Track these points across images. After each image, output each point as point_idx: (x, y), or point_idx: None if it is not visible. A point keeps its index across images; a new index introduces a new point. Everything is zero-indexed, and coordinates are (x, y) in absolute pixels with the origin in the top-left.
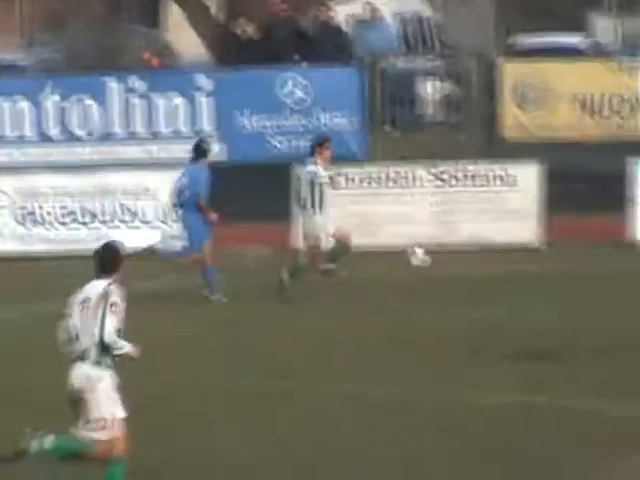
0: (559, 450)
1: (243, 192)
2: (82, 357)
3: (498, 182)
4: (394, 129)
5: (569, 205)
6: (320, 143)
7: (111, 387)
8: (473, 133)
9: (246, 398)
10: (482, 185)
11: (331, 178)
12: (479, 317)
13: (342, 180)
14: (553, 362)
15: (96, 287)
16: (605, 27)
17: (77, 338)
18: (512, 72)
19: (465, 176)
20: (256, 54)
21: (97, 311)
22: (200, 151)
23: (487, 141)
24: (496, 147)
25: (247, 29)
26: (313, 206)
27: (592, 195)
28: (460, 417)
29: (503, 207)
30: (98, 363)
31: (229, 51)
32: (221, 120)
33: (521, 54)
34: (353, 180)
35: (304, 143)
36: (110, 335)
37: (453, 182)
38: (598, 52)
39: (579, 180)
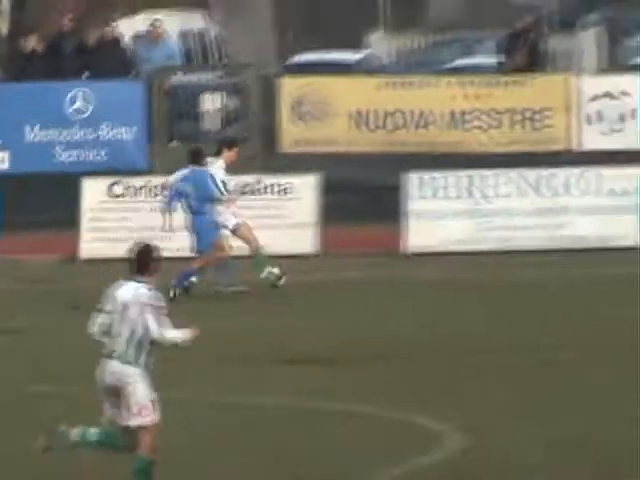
0: (329, 454)
1: (29, 202)
2: (116, 356)
3: (276, 193)
4: (177, 141)
5: (345, 215)
6: (229, 145)
7: (145, 380)
8: (253, 146)
9: None
10: (262, 195)
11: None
12: (253, 322)
13: (122, 190)
14: (327, 366)
15: (132, 288)
16: (380, 44)
17: (112, 336)
18: (290, 87)
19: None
20: (41, 68)
21: (135, 312)
22: (201, 156)
23: (266, 153)
24: (275, 159)
25: (31, 43)
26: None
27: (368, 206)
28: (234, 420)
29: (281, 217)
30: (129, 363)
31: (14, 65)
32: (6, 131)
33: (300, 70)
34: (136, 191)
35: (89, 154)
36: (156, 331)
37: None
38: (374, 68)
39: (355, 192)
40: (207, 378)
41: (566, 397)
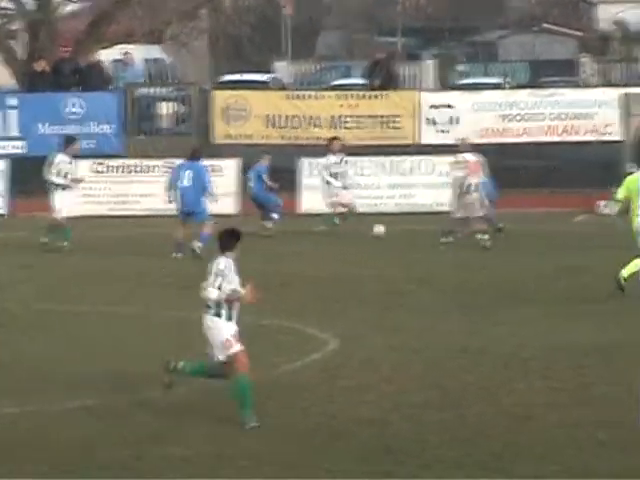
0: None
1: (40, 176)
2: (208, 310)
3: (211, 172)
4: (143, 135)
5: None
6: (69, 141)
7: (227, 329)
8: (194, 139)
9: None
10: None
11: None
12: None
13: (105, 168)
14: None
15: (215, 260)
16: (284, 69)
17: (205, 296)
18: (220, 98)
19: None
20: (48, 83)
21: (210, 277)
22: (200, 153)
23: (203, 144)
24: (210, 148)
25: (41, 66)
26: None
27: (274, 181)
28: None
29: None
30: (217, 315)
31: (29, 81)
32: (24, 127)
33: (227, 86)
34: (114, 168)
35: (82, 144)
36: (209, 293)
37: None
38: (279, 85)
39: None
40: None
41: (406, 316)
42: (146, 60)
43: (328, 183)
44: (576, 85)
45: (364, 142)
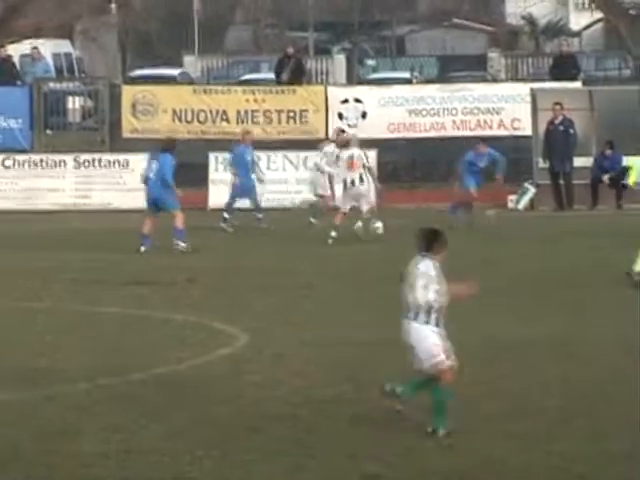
0: (149, 349)
1: None
2: (412, 317)
3: (117, 166)
4: (50, 130)
5: None
6: None
7: (434, 337)
8: (103, 133)
9: None
10: (108, 167)
11: None
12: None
13: (12, 163)
14: (152, 286)
15: (417, 262)
16: (193, 63)
17: (409, 302)
18: (129, 93)
19: (99, 161)
20: None
21: (417, 280)
22: (172, 145)
23: (112, 138)
24: (118, 142)
25: None
26: None
27: (183, 175)
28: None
29: (122, 183)
30: (426, 322)
31: None
32: None
33: (136, 81)
34: (22, 163)
35: None
36: (422, 297)
37: (91, 166)
38: (188, 80)
39: None
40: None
41: (316, 309)
42: (55, 55)
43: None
44: (485, 80)
45: (272, 137)
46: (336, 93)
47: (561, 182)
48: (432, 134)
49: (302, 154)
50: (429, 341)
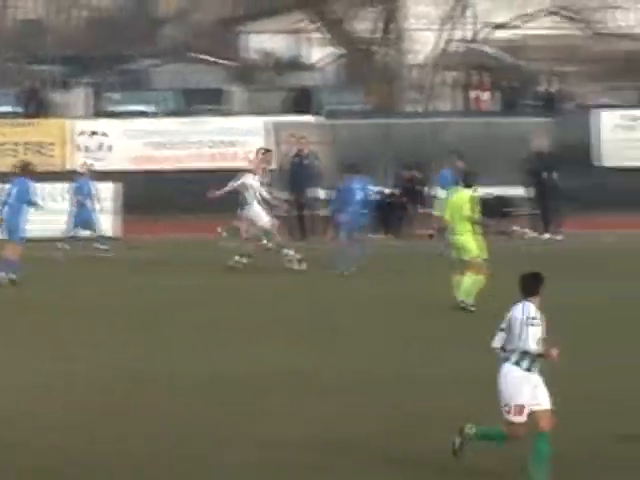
0: None
1: None
2: (507, 359)
3: None
4: None
5: None
6: None
7: (521, 382)
8: None
9: None
10: None
11: None
12: None
13: None
14: None
15: (520, 306)
16: None
17: (505, 344)
18: None
19: None
20: None
21: (518, 325)
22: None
23: None
24: None
25: None
26: None
27: None
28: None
29: None
30: (517, 364)
31: None
32: None
33: None
34: None
35: None
36: (529, 343)
37: None
38: None
39: None
40: None
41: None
42: None
43: None
44: (223, 113)
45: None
46: (77, 126)
47: (305, 213)
48: (173, 166)
49: (44, 185)
50: (518, 389)
